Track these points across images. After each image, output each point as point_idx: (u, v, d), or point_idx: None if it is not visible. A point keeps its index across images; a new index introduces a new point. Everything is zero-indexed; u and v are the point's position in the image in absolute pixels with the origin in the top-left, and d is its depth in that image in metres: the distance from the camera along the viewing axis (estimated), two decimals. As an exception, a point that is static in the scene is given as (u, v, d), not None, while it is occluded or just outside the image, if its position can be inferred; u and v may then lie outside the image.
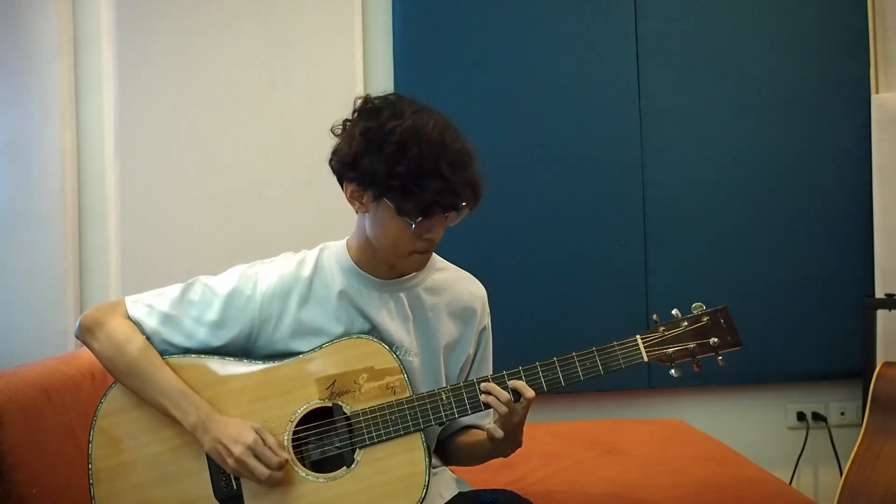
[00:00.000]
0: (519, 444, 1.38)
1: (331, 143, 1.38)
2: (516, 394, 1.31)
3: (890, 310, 2.32)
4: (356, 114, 1.33)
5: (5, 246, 2.30)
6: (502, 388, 1.31)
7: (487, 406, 1.32)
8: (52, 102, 2.31)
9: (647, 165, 2.49)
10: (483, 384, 1.32)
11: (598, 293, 2.46)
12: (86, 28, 2.40)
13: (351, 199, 1.34)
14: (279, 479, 1.29)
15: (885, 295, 2.30)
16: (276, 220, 2.42)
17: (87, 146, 2.40)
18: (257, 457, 1.27)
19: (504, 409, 1.29)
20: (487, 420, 1.50)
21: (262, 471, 1.27)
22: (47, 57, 2.31)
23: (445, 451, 1.54)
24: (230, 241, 2.38)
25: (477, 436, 1.48)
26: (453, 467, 1.56)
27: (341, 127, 1.36)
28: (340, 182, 1.36)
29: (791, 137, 2.52)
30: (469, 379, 1.41)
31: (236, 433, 1.28)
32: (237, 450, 1.27)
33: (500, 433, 1.31)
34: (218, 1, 2.41)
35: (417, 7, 2.47)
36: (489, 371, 1.51)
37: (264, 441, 1.29)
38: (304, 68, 2.44)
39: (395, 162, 1.24)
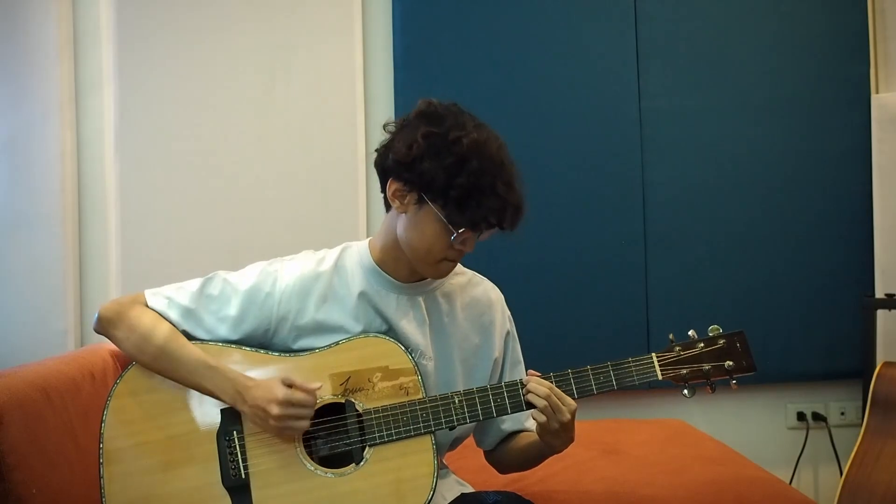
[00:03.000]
0: (571, 440, 1.36)
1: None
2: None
3: (890, 310, 2.32)
4: (416, 116, 1.33)
5: (5, 246, 2.30)
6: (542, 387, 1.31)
7: (530, 405, 1.32)
8: (52, 102, 2.31)
9: (647, 166, 2.49)
10: (528, 381, 1.32)
11: (597, 294, 2.46)
12: (86, 28, 2.39)
13: (392, 196, 1.34)
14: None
15: (885, 295, 2.30)
16: (275, 219, 2.41)
17: (87, 146, 2.40)
18: (293, 405, 1.28)
19: (543, 402, 1.29)
20: (529, 423, 1.51)
21: (304, 413, 1.29)
22: (47, 57, 2.30)
23: (497, 461, 1.55)
24: (230, 240, 2.38)
25: (525, 438, 1.49)
26: (454, 468, 1.56)
27: (396, 124, 1.36)
28: (383, 178, 1.36)
29: (791, 138, 2.52)
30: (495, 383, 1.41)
31: (269, 393, 1.29)
32: (275, 410, 1.27)
33: (542, 418, 1.30)
34: (218, 1, 2.41)
35: (417, 7, 2.47)
36: (523, 373, 1.50)
37: (294, 385, 1.29)
38: (304, 68, 2.44)
39: (456, 172, 1.26)
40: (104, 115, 2.39)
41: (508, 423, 1.49)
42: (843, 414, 2.59)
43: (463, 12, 2.46)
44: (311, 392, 1.30)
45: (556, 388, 1.31)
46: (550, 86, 2.48)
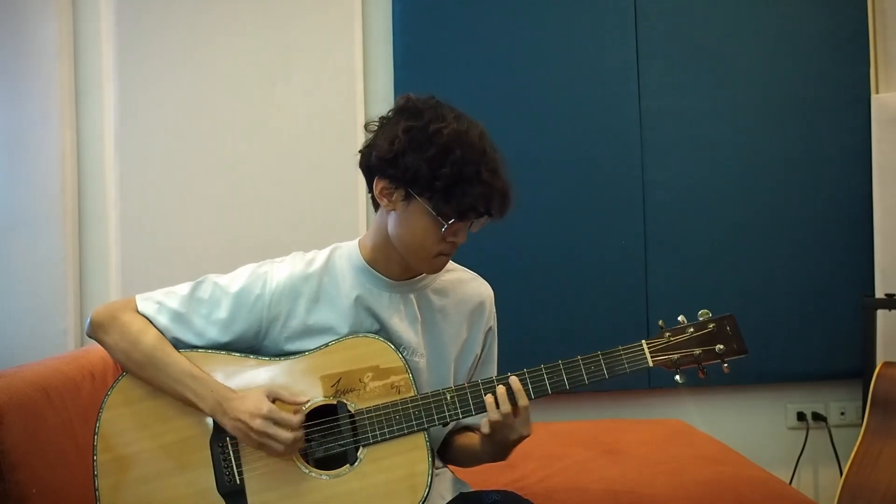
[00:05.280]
0: (503, 458, 1.39)
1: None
2: (511, 392, 1.31)
3: (890, 310, 2.32)
4: (395, 112, 1.34)
5: (5, 246, 2.30)
6: (508, 395, 1.31)
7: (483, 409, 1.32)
8: (52, 102, 2.31)
9: (647, 166, 2.49)
10: (497, 388, 1.31)
11: (597, 294, 2.46)
12: (86, 28, 2.40)
13: (380, 195, 1.34)
14: (301, 438, 1.30)
15: (885, 295, 2.30)
16: (275, 219, 2.42)
17: (87, 146, 2.40)
18: (277, 423, 1.28)
19: (497, 416, 1.29)
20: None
21: (284, 435, 1.27)
22: (47, 57, 2.31)
23: (444, 450, 1.54)
24: (230, 240, 2.38)
25: (468, 439, 1.49)
26: (454, 468, 1.56)
27: (377, 123, 1.36)
28: (370, 177, 1.36)
29: (791, 138, 2.52)
30: (473, 379, 1.41)
31: (252, 406, 1.28)
32: (256, 423, 1.27)
33: (487, 430, 1.31)
34: (218, 1, 2.41)
35: (417, 7, 2.47)
36: (493, 372, 1.51)
37: (280, 398, 1.30)
38: (304, 68, 2.44)
39: (439, 163, 1.25)
40: (104, 115, 2.39)
41: (469, 418, 1.48)
42: (843, 414, 2.58)
43: (463, 12, 2.46)
44: (298, 405, 1.30)
45: (518, 396, 1.30)
46: (550, 85, 2.48)
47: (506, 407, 1.29)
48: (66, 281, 2.32)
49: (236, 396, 1.31)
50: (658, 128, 2.49)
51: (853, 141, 2.51)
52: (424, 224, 1.30)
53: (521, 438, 1.33)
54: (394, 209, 1.33)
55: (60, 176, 2.32)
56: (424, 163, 1.26)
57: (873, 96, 2.52)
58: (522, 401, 1.31)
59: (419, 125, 1.28)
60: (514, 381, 1.32)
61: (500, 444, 1.34)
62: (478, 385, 1.34)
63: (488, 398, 1.30)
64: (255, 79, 2.42)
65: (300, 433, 1.29)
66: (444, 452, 1.54)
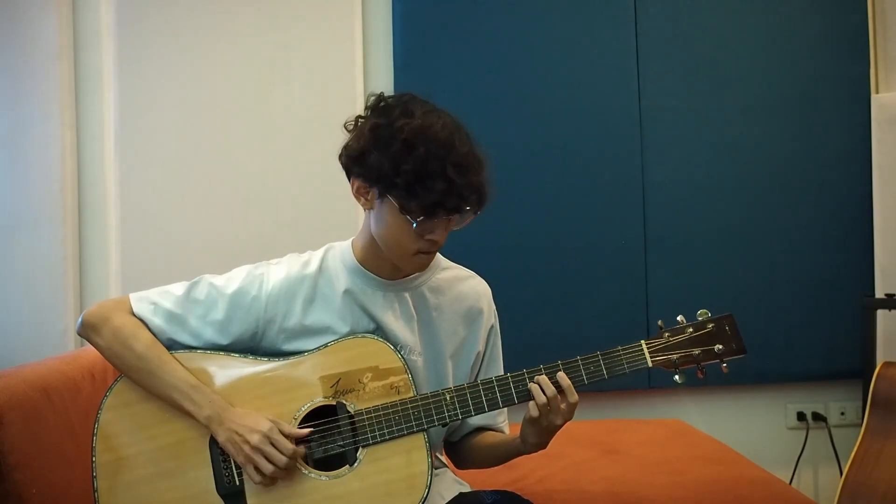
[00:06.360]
0: (544, 446, 1.38)
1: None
2: (559, 387, 1.30)
3: (890, 310, 2.32)
4: (368, 111, 1.34)
5: (5, 246, 2.30)
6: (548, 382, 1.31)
7: (528, 397, 1.31)
8: (52, 102, 2.31)
9: (647, 166, 2.49)
10: (538, 377, 1.31)
11: (597, 294, 2.46)
12: (86, 28, 2.40)
13: (357, 194, 1.34)
14: (293, 465, 1.30)
15: (885, 295, 2.30)
16: (275, 219, 2.42)
17: (87, 146, 2.40)
18: (273, 444, 1.28)
19: (543, 398, 1.29)
20: (501, 418, 1.51)
21: (279, 457, 1.27)
22: (47, 56, 2.31)
23: (457, 454, 1.54)
24: (230, 240, 2.38)
25: (494, 437, 1.49)
26: (453, 468, 1.56)
27: (353, 122, 1.36)
28: (349, 177, 1.36)
29: (791, 138, 2.52)
30: (479, 378, 1.41)
31: (253, 423, 1.29)
32: (254, 438, 1.27)
33: (535, 413, 1.30)
34: (218, 1, 2.41)
35: (417, 7, 2.47)
36: (499, 371, 1.51)
37: (280, 430, 1.29)
38: (304, 68, 2.44)
39: (401, 160, 1.24)
40: (104, 115, 2.39)
41: (479, 418, 1.48)
42: (843, 414, 2.58)
43: (463, 12, 2.46)
44: (300, 436, 1.30)
45: (567, 393, 1.30)
46: (550, 86, 2.48)
47: (551, 390, 1.29)
48: (66, 281, 2.32)
49: (235, 410, 1.31)
50: (658, 128, 2.49)
51: (853, 141, 2.51)
52: (397, 222, 1.29)
53: (565, 422, 1.32)
54: (371, 208, 1.33)
55: (60, 176, 2.32)
56: (387, 160, 1.25)
57: (873, 96, 2.51)
58: (573, 397, 1.30)
59: (385, 122, 1.27)
60: (562, 376, 1.31)
61: (546, 430, 1.33)
62: (477, 385, 1.34)
63: (533, 386, 1.30)
64: (255, 79, 2.42)
65: (294, 461, 1.29)
66: (458, 457, 1.54)
